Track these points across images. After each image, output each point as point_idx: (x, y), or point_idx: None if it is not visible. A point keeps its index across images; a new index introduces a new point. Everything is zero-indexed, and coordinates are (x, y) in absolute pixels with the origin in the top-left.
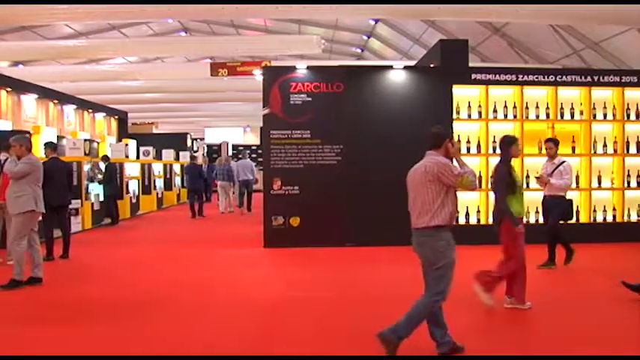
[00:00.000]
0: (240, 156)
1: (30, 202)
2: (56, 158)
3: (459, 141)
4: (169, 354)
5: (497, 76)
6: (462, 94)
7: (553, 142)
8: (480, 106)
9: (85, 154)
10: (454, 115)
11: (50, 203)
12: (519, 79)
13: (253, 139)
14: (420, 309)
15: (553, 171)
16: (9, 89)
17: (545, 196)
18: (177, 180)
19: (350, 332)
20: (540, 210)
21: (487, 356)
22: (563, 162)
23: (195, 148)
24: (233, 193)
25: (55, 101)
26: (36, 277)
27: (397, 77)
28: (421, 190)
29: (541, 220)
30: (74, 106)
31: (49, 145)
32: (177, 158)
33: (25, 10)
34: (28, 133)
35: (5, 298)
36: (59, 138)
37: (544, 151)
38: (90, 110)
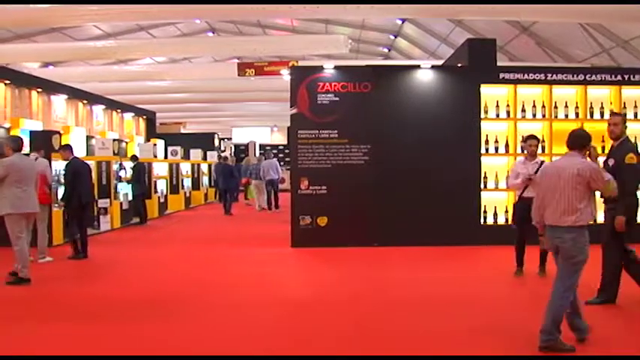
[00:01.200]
0: (265, 155)
1: (5, 206)
2: (76, 158)
3: (487, 141)
4: (196, 354)
5: (526, 75)
6: (490, 93)
7: (537, 139)
8: (508, 105)
9: (114, 153)
10: (482, 115)
11: (80, 201)
12: (548, 78)
13: (280, 138)
14: (558, 304)
15: (536, 171)
16: (39, 90)
17: (525, 198)
18: (205, 180)
19: (376, 332)
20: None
21: (503, 356)
22: (543, 161)
23: (222, 148)
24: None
25: (85, 101)
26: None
27: (425, 77)
28: (567, 190)
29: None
30: (103, 107)
31: (65, 148)
32: (204, 158)
33: (55, 12)
34: (58, 133)
35: (29, 295)
36: (88, 138)
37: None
38: (118, 110)
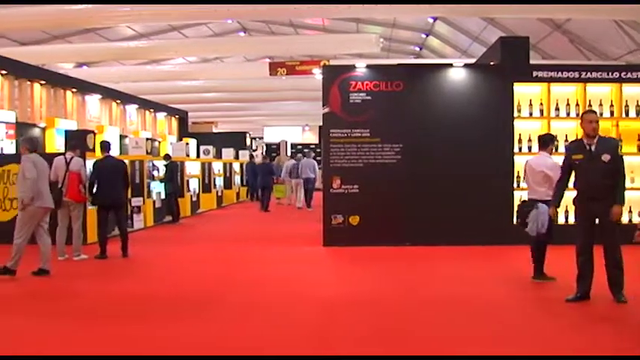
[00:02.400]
0: (300, 155)
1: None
2: (110, 157)
3: (520, 140)
4: (225, 353)
5: (560, 73)
6: (523, 91)
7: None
8: (541, 104)
9: (147, 152)
10: (515, 114)
11: (103, 202)
12: (582, 76)
13: (312, 137)
14: None
15: None
16: (74, 90)
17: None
18: (237, 178)
19: (407, 333)
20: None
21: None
22: None
23: (254, 147)
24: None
25: (118, 101)
26: (44, 269)
27: (457, 75)
28: None
29: None
30: (136, 106)
31: (101, 145)
32: (236, 157)
33: (89, 13)
34: (92, 132)
35: (67, 292)
36: (122, 137)
37: None
38: (151, 110)
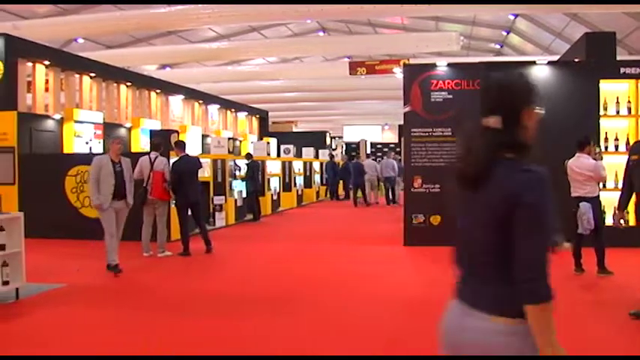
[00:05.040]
0: (386, 155)
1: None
2: (186, 156)
3: (606, 139)
4: (303, 352)
5: None
6: (610, 89)
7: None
8: (629, 101)
9: (229, 152)
10: (601, 112)
11: (182, 200)
12: None
13: (391, 137)
14: None
15: None
16: (158, 91)
17: (579, 198)
18: (317, 177)
19: None
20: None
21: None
22: None
23: (333, 146)
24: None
25: (200, 101)
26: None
27: (540, 73)
28: None
29: None
30: (218, 106)
31: (177, 145)
32: (316, 156)
33: (171, 16)
34: (177, 131)
35: (150, 286)
36: (204, 136)
37: None
38: (232, 110)
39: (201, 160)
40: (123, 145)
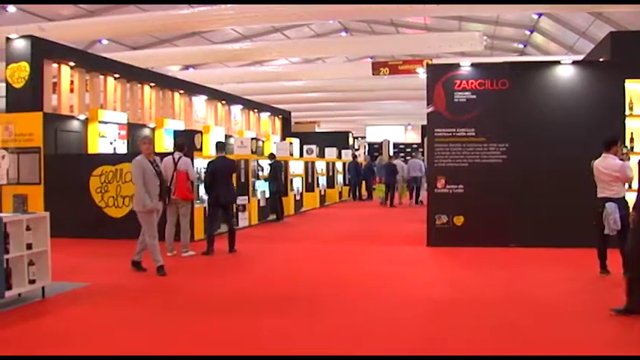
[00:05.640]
0: (412, 155)
1: (136, 202)
2: (222, 157)
3: (632, 139)
4: (324, 352)
5: None
6: (636, 88)
7: None
8: None
9: (252, 152)
10: (627, 112)
11: (216, 200)
12: None
13: (414, 137)
14: None
15: None
16: (181, 91)
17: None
18: (340, 178)
19: (510, 337)
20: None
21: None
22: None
23: (356, 147)
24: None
25: (223, 102)
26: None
27: (565, 72)
28: None
29: None
30: (240, 106)
31: (216, 146)
32: (339, 156)
33: (194, 17)
34: (199, 132)
35: (164, 286)
36: (227, 137)
37: None
38: (255, 110)
39: (232, 161)
40: (152, 143)
